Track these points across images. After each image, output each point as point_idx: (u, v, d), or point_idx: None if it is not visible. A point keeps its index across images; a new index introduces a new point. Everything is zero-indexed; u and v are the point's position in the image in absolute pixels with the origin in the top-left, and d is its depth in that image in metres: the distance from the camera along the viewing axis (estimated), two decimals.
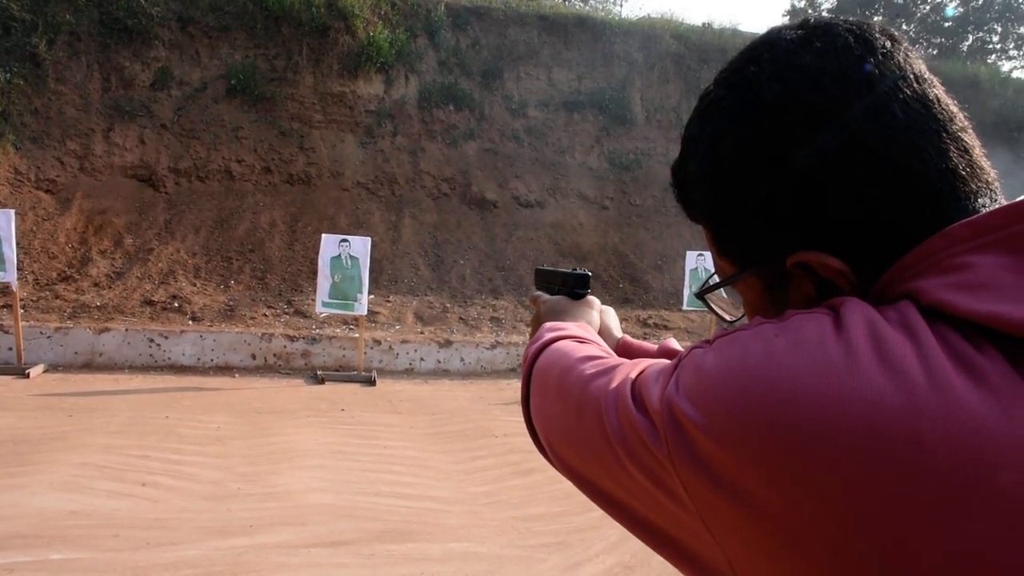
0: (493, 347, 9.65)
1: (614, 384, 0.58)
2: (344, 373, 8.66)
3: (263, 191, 11.90)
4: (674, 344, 0.96)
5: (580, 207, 13.50)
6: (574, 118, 14.43)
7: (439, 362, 9.39)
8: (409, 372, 9.22)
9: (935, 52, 27.64)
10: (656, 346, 0.99)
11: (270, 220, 11.46)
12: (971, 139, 0.54)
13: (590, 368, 0.64)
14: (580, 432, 0.61)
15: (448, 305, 10.71)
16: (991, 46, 28.52)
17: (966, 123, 0.55)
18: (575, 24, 15.09)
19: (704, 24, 17.01)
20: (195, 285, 10.00)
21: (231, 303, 9.75)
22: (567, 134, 14.31)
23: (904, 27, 27.96)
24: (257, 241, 11.02)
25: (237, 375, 8.46)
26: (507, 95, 14.18)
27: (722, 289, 0.69)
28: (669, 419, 0.50)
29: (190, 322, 9.17)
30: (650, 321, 11.16)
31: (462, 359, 9.47)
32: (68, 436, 5.54)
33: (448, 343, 9.52)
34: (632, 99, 14.89)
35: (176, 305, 9.45)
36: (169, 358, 8.58)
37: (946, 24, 28.09)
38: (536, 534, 4.19)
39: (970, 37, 28.35)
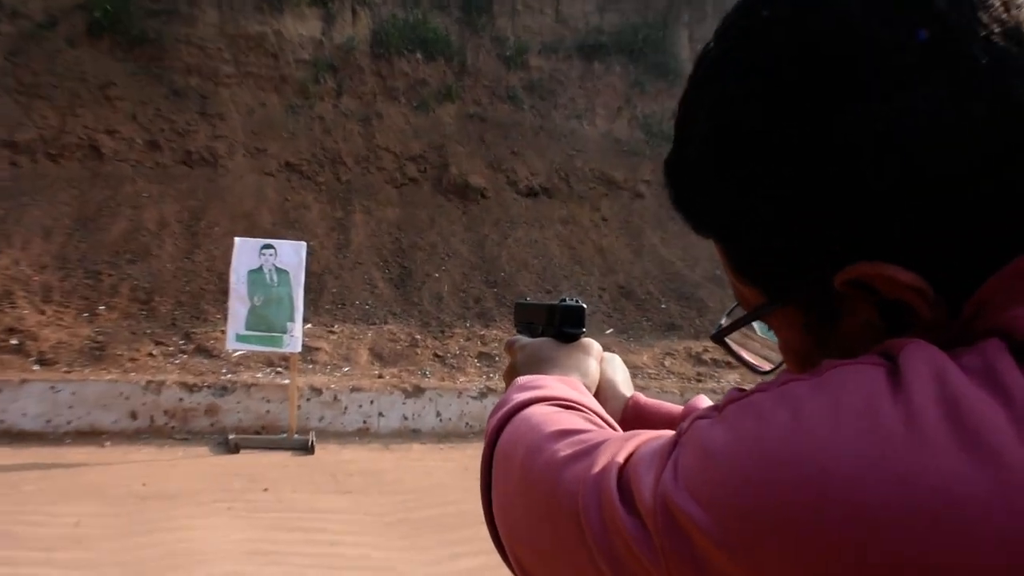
0: (482, 395, 9.83)
1: (595, 470, 0.61)
2: (268, 437, 8.89)
3: (147, 176, 12.06)
4: (704, 403, 0.97)
5: (604, 195, 13.80)
6: (594, 69, 14.75)
7: (406, 418, 9.54)
8: (362, 434, 9.33)
9: None
10: (682, 408, 1.06)
11: (158, 217, 11.62)
12: None
13: (566, 448, 0.67)
14: (551, 538, 0.64)
15: (418, 337, 10.98)
16: None
17: None
18: None
19: None
20: (44, 313, 10.07)
21: (100, 338, 9.76)
22: (584, 92, 14.61)
23: None
24: (139, 248, 11.15)
25: (108, 443, 8.50)
26: (498, 37, 14.47)
27: (750, 326, 0.76)
28: (664, 520, 0.52)
29: (36, 367, 9.16)
30: (705, 356, 11.49)
31: (438, 413, 9.66)
32: None
33: (419, 391, 9.66)
34: (676, 41, 15.21)
35: (14, 343, 9.39)
36: (3, 420, 8.56)
37: None
38: None
39: None
